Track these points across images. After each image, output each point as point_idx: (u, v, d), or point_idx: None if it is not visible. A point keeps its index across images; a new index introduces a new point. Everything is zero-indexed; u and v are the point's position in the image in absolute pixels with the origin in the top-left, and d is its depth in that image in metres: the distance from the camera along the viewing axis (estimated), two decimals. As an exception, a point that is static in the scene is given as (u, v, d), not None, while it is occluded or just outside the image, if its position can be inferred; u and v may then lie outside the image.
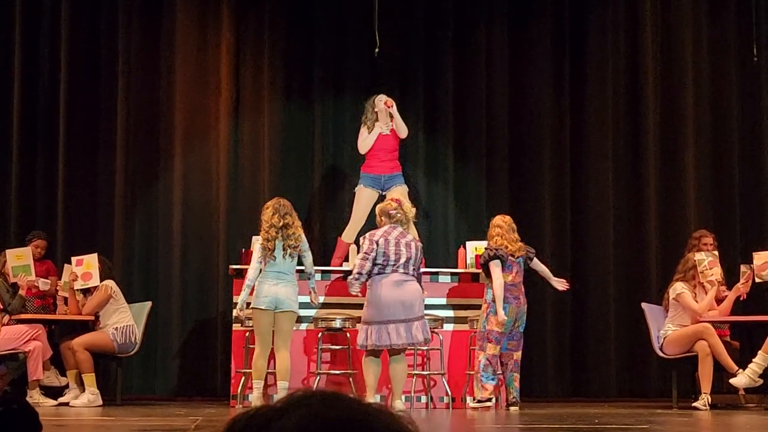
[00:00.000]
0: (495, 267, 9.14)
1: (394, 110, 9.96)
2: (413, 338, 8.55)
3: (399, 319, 8.53)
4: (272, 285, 8.69)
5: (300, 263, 8.96)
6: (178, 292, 10.67)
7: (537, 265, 9.48)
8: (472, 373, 9.50)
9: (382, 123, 9.97)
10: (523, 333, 9.27)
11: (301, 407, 1.28)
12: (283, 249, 8.73)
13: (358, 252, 9.65)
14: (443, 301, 9.69)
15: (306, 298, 9.05)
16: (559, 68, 11.28)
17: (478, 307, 9.57)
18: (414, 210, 9.09)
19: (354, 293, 8.67)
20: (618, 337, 10.95)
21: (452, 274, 9.84)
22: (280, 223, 8.75)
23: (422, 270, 9.68)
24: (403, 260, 8.60)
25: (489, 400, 9.14)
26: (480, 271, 9.55)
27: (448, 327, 9.52)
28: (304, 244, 8.88)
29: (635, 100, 11.32)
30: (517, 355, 9.25)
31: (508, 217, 9.45)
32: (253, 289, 8.77)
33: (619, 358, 10.95)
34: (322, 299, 9.36)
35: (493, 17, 11.26)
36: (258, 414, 1.30)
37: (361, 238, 8.97)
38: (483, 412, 9.03)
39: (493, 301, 9.13)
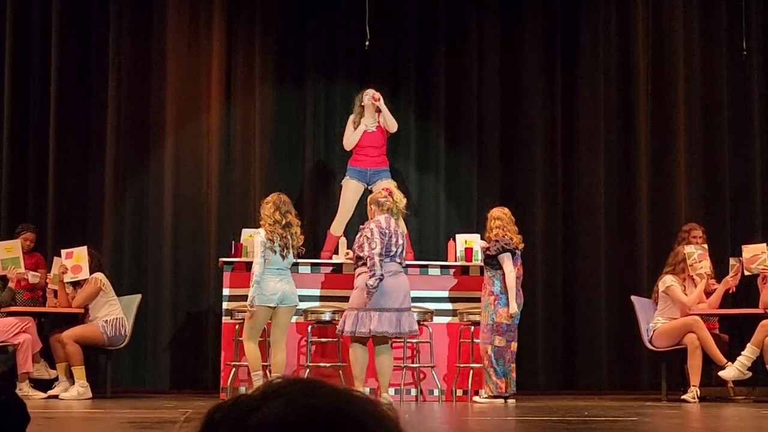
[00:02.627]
0: (507, 260, 9.03)
1: (382, 104, 9.88)
2: (401, 328, 8.61)
3: (391, 308, 8.58)
4: (277, 281, 8.78)
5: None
6: (169, 284, 10.65)
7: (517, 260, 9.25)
8: (462, 366, 9.51)
9: (368, 119, 9.91)
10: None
11: (281, 396, 1.26)
12: (285, 247, 8.79)
13: (347, 245, 9.63)
14: (433, 293, 9.67)
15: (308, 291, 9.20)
16: (551, 60, 11.27)
17: (468, 299, 9.57)
18: (405, 200, 9.10)
19: (373, 290, 8.57)
20: (608, 330, 10.95)
21: (442, 266, 9.83)
22: (283, 221, 8.81)
23: (412, 262, 9.73)
24: (397, 251, 8.66)
25: (502, 397, 8.99)
26: (478, 263, 9.49)
27: (438, 320, 9.52)
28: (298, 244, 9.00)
29: (626, 92, 11.33)
30: (515, 345, 9.15)
31: (506, 209, 9.36)
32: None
33: (610, 351, 10.96)
34: None
35: (485, 7, 11.25)
36: (237, 404, 1.28)
37: (361, 229, 8.86)
38: (481, 405, 8.93)
39: (502, 292, 9.00)
